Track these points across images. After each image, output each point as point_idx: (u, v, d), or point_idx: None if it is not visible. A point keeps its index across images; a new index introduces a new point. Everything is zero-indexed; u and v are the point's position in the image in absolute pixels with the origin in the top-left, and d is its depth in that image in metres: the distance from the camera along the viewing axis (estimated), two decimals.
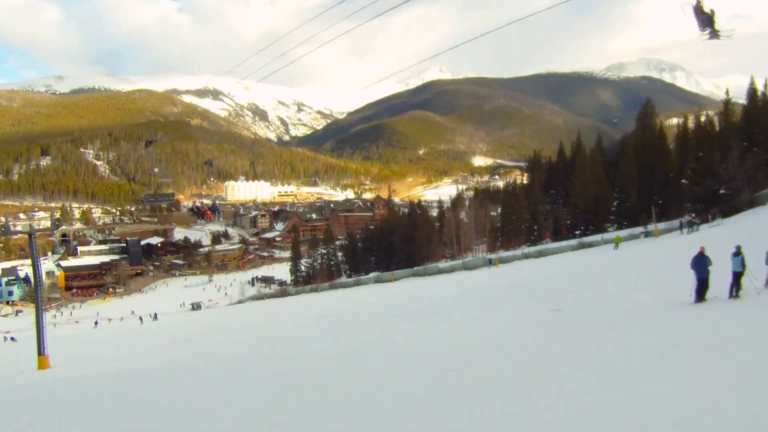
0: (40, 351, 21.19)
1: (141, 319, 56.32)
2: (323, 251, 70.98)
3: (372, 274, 51.70)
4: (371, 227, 74.92)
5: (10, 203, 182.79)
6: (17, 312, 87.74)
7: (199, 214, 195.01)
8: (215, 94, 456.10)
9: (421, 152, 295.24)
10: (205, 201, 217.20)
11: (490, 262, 40.02)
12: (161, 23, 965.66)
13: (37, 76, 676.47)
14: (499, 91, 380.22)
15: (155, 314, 57.82)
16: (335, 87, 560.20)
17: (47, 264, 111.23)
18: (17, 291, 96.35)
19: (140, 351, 21.98)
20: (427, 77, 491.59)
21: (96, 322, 58.14)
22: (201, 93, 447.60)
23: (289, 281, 77.01)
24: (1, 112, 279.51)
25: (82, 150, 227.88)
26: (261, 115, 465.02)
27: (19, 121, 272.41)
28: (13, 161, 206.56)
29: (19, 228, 41.55)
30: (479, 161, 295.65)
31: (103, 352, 24.20)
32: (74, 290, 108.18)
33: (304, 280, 68.24)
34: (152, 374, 12.61)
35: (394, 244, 58.16)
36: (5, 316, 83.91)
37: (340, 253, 71.16)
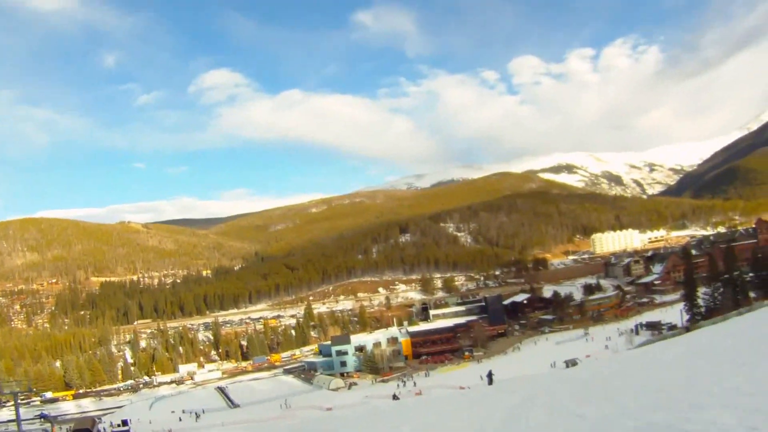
0: None
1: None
2: (718, 284, 63.92)
3: None
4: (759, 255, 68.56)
5: (369, 279, 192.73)
6: (350, 384, 77.74)
7: None
8: (569, 169, 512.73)
9: None
10: (573, 257, 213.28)
11: None
12: (507, 117, 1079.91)
13: (398, 177, 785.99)
14: None
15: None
16: (681, 144, 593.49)
17: (391, 330, 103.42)
18: (351, 360, 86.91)
19: None
20: (766, 118, 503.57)
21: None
22: (556, 170, 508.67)
23: (681, 323, 65.17)
24: (365, 208, 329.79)
25: (441, 225, 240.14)
26: (616, 180, 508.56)
27: (382, 213, 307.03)
28: (372, 242, 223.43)
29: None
30: None
31: None
32: (423, 357, 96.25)
33: (703, 318, 58.80)
34: None
35: None
36: (335, 390, 74.17)
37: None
